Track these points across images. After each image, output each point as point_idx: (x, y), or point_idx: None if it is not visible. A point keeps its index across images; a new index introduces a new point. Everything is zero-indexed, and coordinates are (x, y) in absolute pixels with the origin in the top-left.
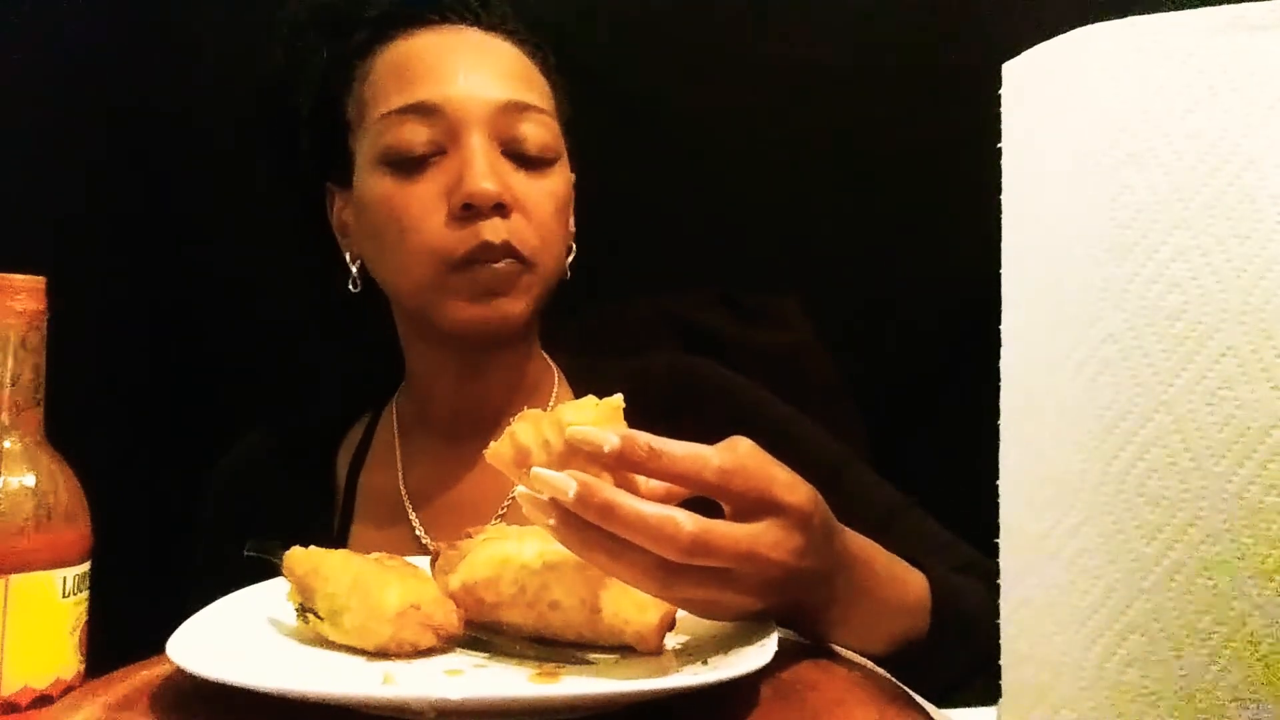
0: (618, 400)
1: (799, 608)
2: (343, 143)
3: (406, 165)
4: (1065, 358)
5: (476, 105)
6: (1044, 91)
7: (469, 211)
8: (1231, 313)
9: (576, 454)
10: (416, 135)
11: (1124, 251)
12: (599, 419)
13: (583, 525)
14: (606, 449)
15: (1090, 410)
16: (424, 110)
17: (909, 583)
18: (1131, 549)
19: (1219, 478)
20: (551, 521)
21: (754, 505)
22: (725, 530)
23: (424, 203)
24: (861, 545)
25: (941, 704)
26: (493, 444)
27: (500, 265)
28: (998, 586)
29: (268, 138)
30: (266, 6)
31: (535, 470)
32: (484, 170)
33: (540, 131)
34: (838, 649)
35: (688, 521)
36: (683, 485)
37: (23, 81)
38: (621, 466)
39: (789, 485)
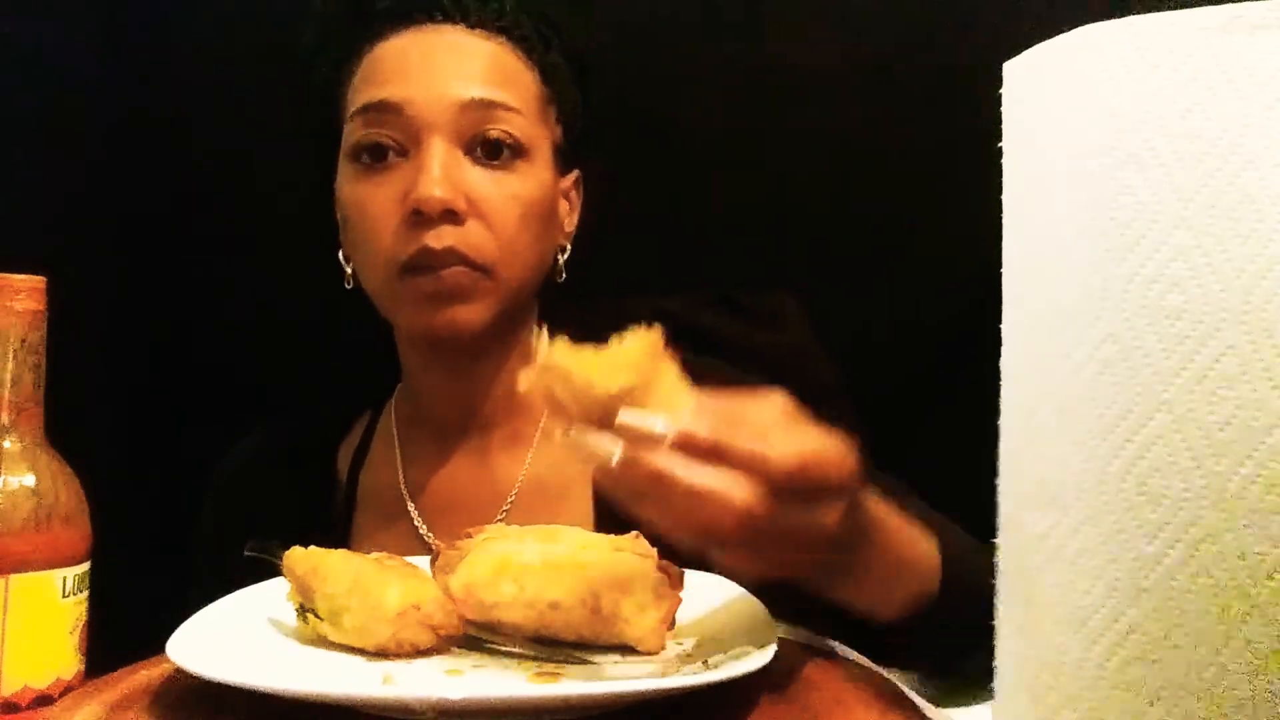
0: (654, 338)
1: (821, 570)
2: (340, 139)
3: (371, 165)
4: (1065, 357)
5: (438, 105)
6: (1044, 91)
7: (419, 218)
8: (1232, 312)
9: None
10: (379, 134)
11: (1124, 251)
12: (631, 366)
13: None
14: (664, 439)
15: (1091, 409)
16: (385, 109)
17: (921, 544)
18: (1132, 549)
19: (1219, 477)
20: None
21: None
22: (775, 513)
23: (383, 206)
24: (879, 506)
25: (942, 703)
26: (525, 375)
27: (448, 272)
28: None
29: (300, 130)
30: (266, 8)
31: (574, 437)
32: (436, 176)
33: (508, 131)
34: (838, 649)
35: (740, 499)
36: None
37: (23, 81)
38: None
39: (839, 464)
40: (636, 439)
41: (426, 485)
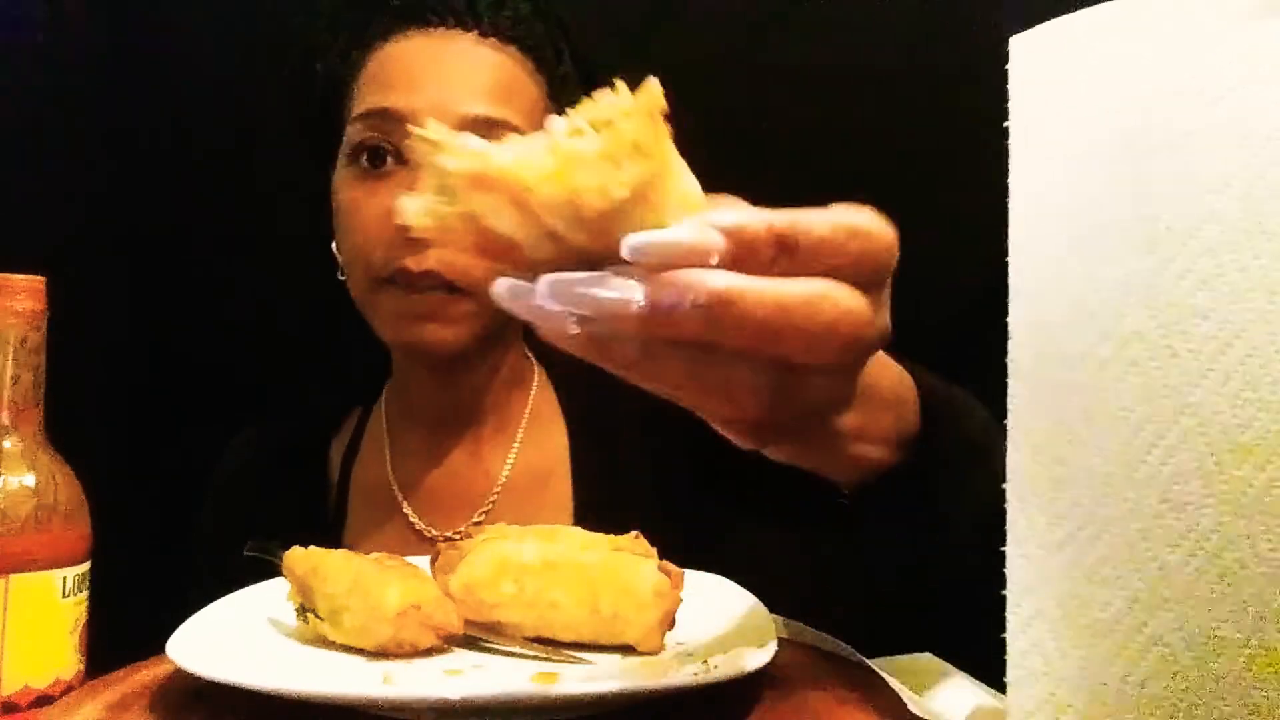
0: (652, 98)
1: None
2: (342, 134)
3: (368, 170)
4: (1086, 355)
5: (439, 119)
6: (1060, 70)
7: (408, 233)
8: (1257, 312)
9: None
10: (379, 140)
11: (1152, 244)
12: (632, 151)
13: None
14: (713, 251)
15: (1115, 411)
16: (388, 117)
17: (894, 369)
18: (1156, 557)
19: (1240, 482)
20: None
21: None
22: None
23: (375, 214)
24: None
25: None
26: (411, 206)
27: (424, 294)
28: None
29: (296, 118)
30: (266, 9)
31: (559, 286)
32: None
33: None
34: (841, 649)
35: (847, 302)
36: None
37: (23, 82)
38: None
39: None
40: (667, 262)
41: (416, 479)
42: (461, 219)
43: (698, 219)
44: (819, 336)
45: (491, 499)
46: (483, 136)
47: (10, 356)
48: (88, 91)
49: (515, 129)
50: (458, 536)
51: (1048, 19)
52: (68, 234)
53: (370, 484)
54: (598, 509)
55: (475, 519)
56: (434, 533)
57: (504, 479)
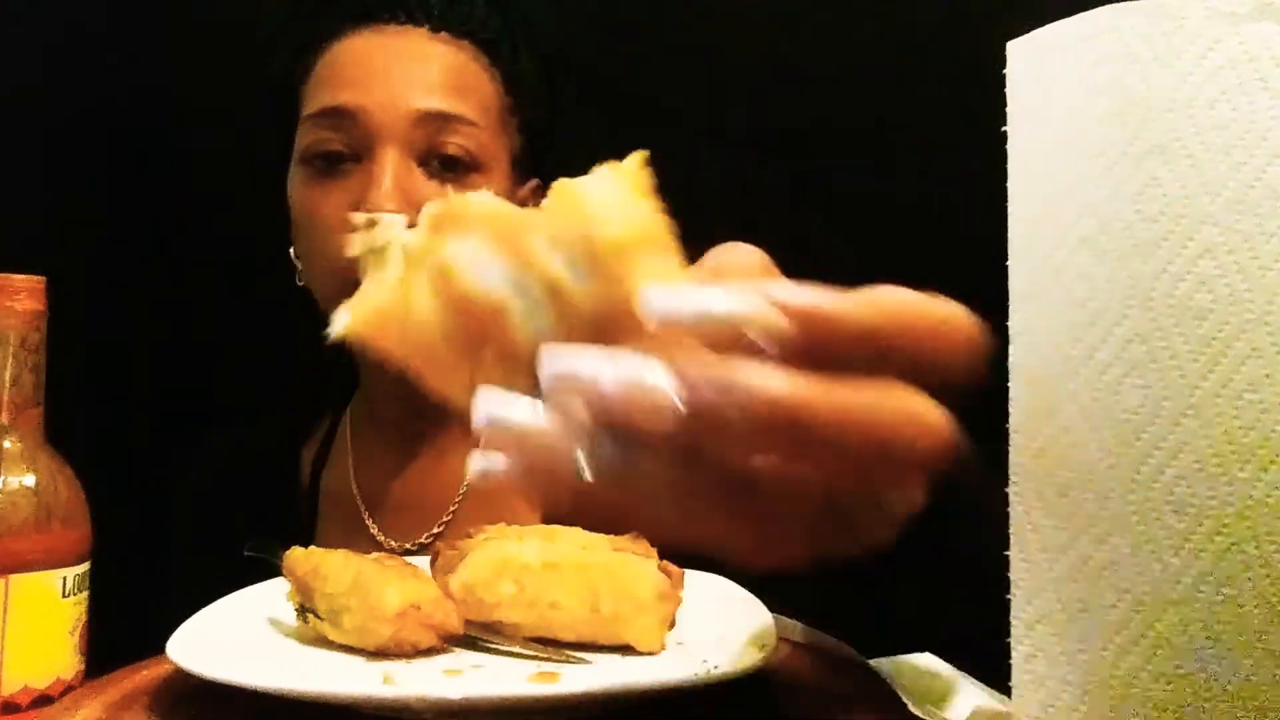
0: (639, 168)
1: None
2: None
3: (322, 170)
4: (1088, 358)
5: (393, 114)
6: (1058, 73)
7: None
8: (1257, 313)
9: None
10: (332, 141)
11: (1151, 246)
12: (623, 209)
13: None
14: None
15: (1117, 414)
16: (340, 115)
17: None
18: (1160, 560)
19: (1244, 484)
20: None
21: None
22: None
23: (332, 213)
24: None
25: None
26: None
27: None
28: None
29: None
30: (268, 7)
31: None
32: (386, 189)
33: (464, 145)
34: (841, 649)
35: (934, 414)
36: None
37: (22, 81)
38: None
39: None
40: (701, 333)
41: (376, 487)
42: (431, 279)
43: (744, 286)
44: (894, 458)
45: (452, 509)
46: (437, 130)
47: (10, 356)
48: (89, 91)
49: (472, 124)
50: (415, 549)
51: (1046, 22)
52: (68, 234)
53: (336, 491)
54: (563, 518)
55: (435, 529)
56: (393, 544)
57: (465, 489)
